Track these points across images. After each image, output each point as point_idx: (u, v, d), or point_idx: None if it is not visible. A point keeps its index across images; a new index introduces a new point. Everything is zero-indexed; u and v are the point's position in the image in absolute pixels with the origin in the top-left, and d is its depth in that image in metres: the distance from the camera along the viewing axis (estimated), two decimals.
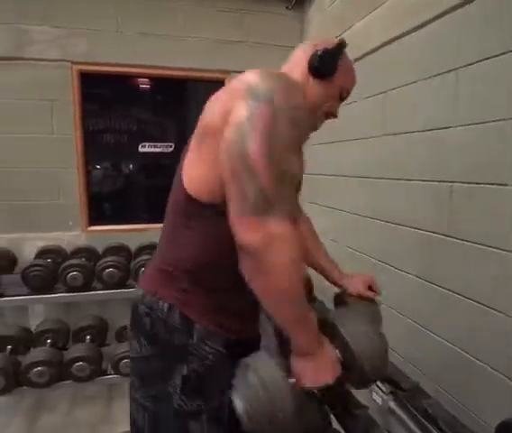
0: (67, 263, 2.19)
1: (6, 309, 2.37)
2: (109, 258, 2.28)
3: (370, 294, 1.12)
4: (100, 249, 2.47)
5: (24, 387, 1.98)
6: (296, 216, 1.07)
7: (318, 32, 2.55)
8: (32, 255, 2.37)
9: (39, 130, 2.43)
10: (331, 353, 0.81)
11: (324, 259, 1.20)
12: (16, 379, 1.95)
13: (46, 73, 2.39)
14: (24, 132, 2.41)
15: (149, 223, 2.61)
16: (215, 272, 0.84)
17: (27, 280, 2.16)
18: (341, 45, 0.95)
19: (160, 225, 0.94)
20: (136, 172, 2.78)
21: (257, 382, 0.73)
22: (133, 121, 2.64)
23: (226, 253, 0.75)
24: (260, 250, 0.66)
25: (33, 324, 2.33)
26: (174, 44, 2.54)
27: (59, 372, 2.01)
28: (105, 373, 2.12)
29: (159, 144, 2.65)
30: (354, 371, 0.84)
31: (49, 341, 2.18)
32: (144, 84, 2.71)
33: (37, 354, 2.04)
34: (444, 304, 1.45)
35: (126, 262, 2.34)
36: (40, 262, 2.23)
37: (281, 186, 0.69)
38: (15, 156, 2.41)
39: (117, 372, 2.08)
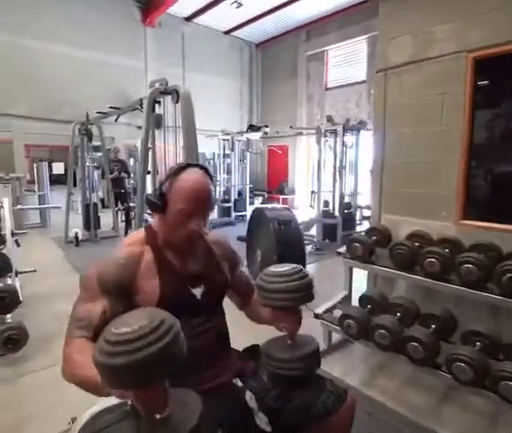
0: (427, 249, 2.27)
1: (378, 277, 2.80)
2: (472, 254, 2.12)
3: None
4: (467, 243, 2.32)
5: (369, 342, 2.30)
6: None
7: None
8: (403, 236, 2.62)
9: (430, 123, 2.61)
10: None
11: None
12: (366, 332, 2.31)
13: (440, 68, 2.51)
14: (420, 125, 2.67)
15: None
16: None
17: (393, 256, 2.45)
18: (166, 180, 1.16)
19: None
20: None
21: None
22: None
23: None
24: None
25: (393, 294, 2.60)
26: None
27: (397, 342, 2.16)
28: (437, 366, 2.03)
29: None
30: None
31: (398, 314, 2.36)
32: None
33: (385, 319, 2.29)
34: None
35: (490, 263, 2.07)
36: (406, 243, 2.44)
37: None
38: (411, 149, 2.73)
39: (449, 371, 1.94)
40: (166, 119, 4.17)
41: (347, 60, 10.66)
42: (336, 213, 6.92)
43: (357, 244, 2.57)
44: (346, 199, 7.08)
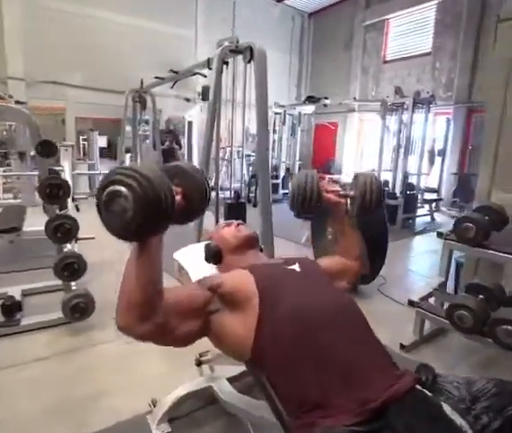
0: None
1: (480, 265, 2.44)
2: None
3: None
4: None
5: (487, 339, 1.95)
6: None
7: None
8: None
9: None
10: None
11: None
12: (481, 327, 1.96)
13: None
14: None
15: None
16: None
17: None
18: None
19: None
20: None
21: None
22: None
23: None
24: None
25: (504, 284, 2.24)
26: None
27: None
28: None
29: None
30: None
31: None
32: None
33: (508, 313, 1.94)
34: None
35: None
36: None
37: None
38: None
39: None
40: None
41: (410, 30, 9.85)
42: (397, 193, 6.44)
43: (469, 225, 2.19)
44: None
